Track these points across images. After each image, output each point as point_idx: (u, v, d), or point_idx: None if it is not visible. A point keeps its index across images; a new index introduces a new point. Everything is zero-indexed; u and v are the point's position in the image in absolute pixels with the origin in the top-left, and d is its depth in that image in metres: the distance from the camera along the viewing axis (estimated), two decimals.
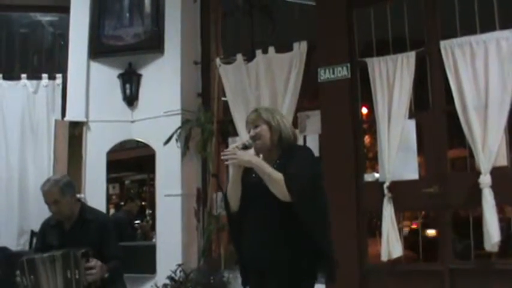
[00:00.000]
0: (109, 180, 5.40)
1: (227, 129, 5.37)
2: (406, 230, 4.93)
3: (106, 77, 5.49)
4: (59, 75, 5.56)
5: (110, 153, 5.39)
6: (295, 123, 4.78)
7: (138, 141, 5.43)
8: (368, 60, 4.58)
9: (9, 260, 4.30)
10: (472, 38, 4.18)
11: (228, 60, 5.27)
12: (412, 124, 4.42)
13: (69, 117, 5.39)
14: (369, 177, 4.74)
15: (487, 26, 4.18)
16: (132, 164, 5.70)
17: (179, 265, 4.85)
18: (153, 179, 5.33)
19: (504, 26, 4.12)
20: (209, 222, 5.02)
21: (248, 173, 2.71)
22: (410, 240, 5.21)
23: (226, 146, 3.96)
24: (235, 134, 5.15)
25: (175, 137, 5.07)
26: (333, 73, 4.66)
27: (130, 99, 5.45)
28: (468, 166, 4.43)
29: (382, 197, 4.31)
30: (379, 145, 4.47)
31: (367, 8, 4.74)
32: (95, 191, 5.25)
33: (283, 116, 2.86)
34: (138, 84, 5.47)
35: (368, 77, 4.55)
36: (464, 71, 4.16)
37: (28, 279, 3.44)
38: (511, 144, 4.10)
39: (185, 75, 5.33)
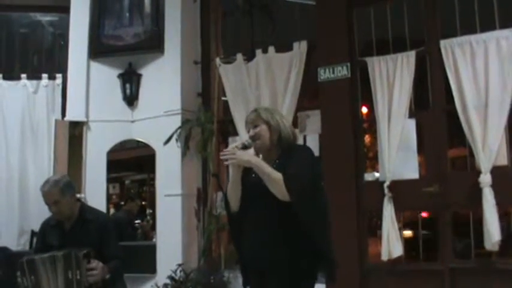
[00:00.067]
0: (109, 180, 5.40)
1: (227, 129, 5.37)
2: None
3: (106, 76, 5.49)
4: (59, 75, 5.56)
5: (110, 153, 5.39)
6: (295, 123, 4.79)
7: (138, 141, 5.43)
8: (368, 59, 4.58)
9: (10, 260, 4.30)
10: (472, 38, 4.18)
11: (228, 60, 5.27)
12: (412, 123, 4.42)
13: (69, 117, 5.39)
14: (369, 176, 4.75)
15: (487, 25, 4.18)
16: (132, 163, 5.70)
17: (179, 265, 4.85)
18: (153, 179, 5.33)
19: (504, 26, 4.12)
20: (209, 222, 5.03)
21: (248, 173, 2.71)
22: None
23: (227, 146, 3.95)
24: (235, 133, 5.15)
25: (175, 136, 5.07)
26: (333, 73, 4.66)
27: (131, 99, 5.46)
28: (468, 165, 4.43)
29: (383, 197, 4.31)
30: (379, 144, 4.47)
31: (367, 8, 4.74)
32: (95, 191, 5.26)
33: (282, 116, 2.86)
34: (138, 84, 5.48)
35: (368, 76, 4.55)
36: (464, 70, 4.16)
37: (28, 280, 3.43)
38: (511, 143, 4.10)
39: (185, 75, 5.33)
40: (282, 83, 4.84)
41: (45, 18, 6.02)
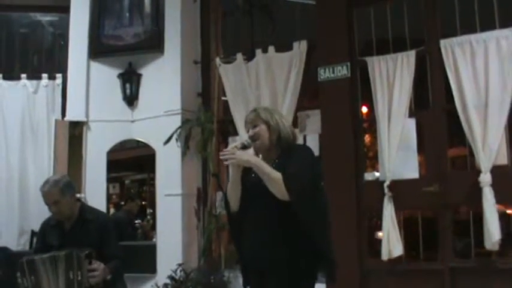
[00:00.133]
0: (109, 180, 5.40)
1: (227, 128, 5.37)
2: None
3: (106, 76, 5.49)
4: (59, 75, 5.56)
5: (110, 152, 5.39)
6: (295, 123, 4.79)
7: (138, 141, 5.43)
8: (368, 59, 4.58)
9: (10, 260, 4.30)
10: (472, 37, 4.18)
11: (228, 59, 5.27)
12: (412, 123, 4.42)
13: (69, 117, 5.39)
14: (369, 176, 4.74)
15: (487, 25, 4.18)
16: (132, 163, 5.70)
17: (179, 265, 4.85)
18: (153, 179, 5.34)
19: (504, 25, 4.12)
20: (209, 221, 5.03)
21: (248, 173, 2.71)
22: None
23: (227, 146, 3.95)
24: (235, 133, 5.15)
25: (175, 136, 5.07)
26: (333, 72, 4.66)
27: (131, 99, 5.46)
28: (468, 165, 4.43)
29: (383, 196, 4.31)
30: (379, 144, 4.47)
31: (367, 7, 4.74)
32: (95, 191, 5.26)
33: (282, 116, 2.86)
34: (138, 84, 5.48)
35: (368, 76, 4.54)
36: (464, 69, 4.16)
37: (29, 280, 3.43)
38: (511, 142, 4.10)
39: (185, 75, 5.33)
40: (282, 83, 4.84)
41: (45, 18, 6.02)
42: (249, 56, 5.11)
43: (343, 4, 4.73)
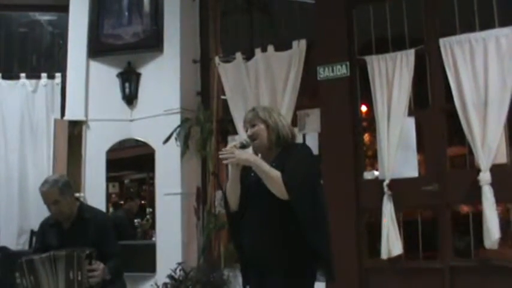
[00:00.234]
0: (109, 179, 5.40)
1: (226, 127, 5.36)
2: None
3: (105, 76, 5.48)
4: (58, 75, 5.55)
5: (110, 152, 5.39)
6: (294, 122, 4.79)
7: (137, 140, 5.43)
8: (367, 58, 4.57)
9: (9, 260, 4.30)
10: (472, 36, 4.18)
11: (227, 58, 5.26)
12: (411, 122, 4.42)
13: (68, 116, 5.39)
14: (368, 175, 4.74)
15: (486, 24, 4.17)
16: (131, 162, 5.70)
17: (179, 264, 4.84)
18: (152, 178, 5.33)
19: (503, 24, 4.11)
20: (209, 220, 5.03)
21: (247, 172, 2.71)
22: None
23: (226, 145, 3.95)
24: (234, 132, 5.15)
25: (174, 135, 5.07)
26: (332, 71, 4.66)
27: (130, 98, 5.45)
28: (468, 164, 4.43)
29: (382, 195, 4.31)
30: (378, 143, 4.47)
31: (367, 6, 4.73)
32: (95, 190, 5.25)
33: (280, 115, 2.85)
34: (138, 83, 5.47)
35: (367, 75, 4.54)
36: (464, 68, 4.16)
37: (28, 280, 3.43)
38: (511, 141, 4.10)
39: (184, 74, 5.32)
40: (281, 82, 4.83)
41: (44, 17, 6.01)
42: (248, 55, 5.11)
43: (342, 3, 4.73)
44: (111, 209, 5.48)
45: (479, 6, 4.25)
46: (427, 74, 4.44)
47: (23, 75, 5.54)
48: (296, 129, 4.51)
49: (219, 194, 4.99)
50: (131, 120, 5.46)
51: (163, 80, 5.32)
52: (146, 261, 5.08)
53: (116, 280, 3.63)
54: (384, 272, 4.40)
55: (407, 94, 4.37)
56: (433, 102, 4.42)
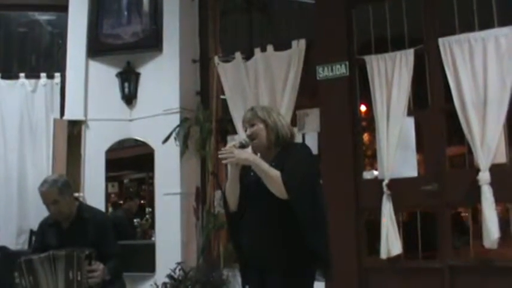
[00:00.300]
0: (108, 179, 5.39)
1: (226, 127, 5.36)
2: None
3: (104, 75, 5.48)
4: (57, 74, 5.54)
5: (109, 151, 5.39)
6: (294, 121, 4.79)
7: (136, 140, 5.43)
8: (366, 58, 4.57)
9: (8, 260, 4.30)
10: (471, 35, 4.18)
11: (227, 58, 5.26)
12: (410, 122, 4.42)
13: (67, 116, 5.38)
14: (367, 175, 4.74)
15: (486, 23, 4.17)
16: (131, 162, 5.69)
17: (178, 263, 4.84)
18: (152, 178, 5.33)
19: (503, 23, 4.11)
20: (208, 220, 5.02)
21: (246, 172, 2.71)
22: None
23: (225, 145, 3.95)
24: (234, 132, 5.15)
25: (174, 135, 5.07)
26: (332, 71, 4.66)
27: (129, 98, 5.45)
28: (467, 163, 4.43)
29: (381, 195, 4.31)
30: (378, 143, 4.47)
31: (366, 6, 4.73)
32: (94, 190, 5.25)
33: (279, 114, 2.86)
34: (137, 83, 5.47)
35: (367, 74, 4.54)
36: (463, 68, 4.16)
37: (27, 280, 3.43)
38: (510, 141, 4.10)
39: (184, 74, 5.32)
40: (281, 82, 4.83)
41: (44, 17, 6.00)
42: (248, 55, 5.11)
43: (341, 3, 4.73)
44: (110, 209, 5.48)
45: (478, 6, 4.24)
46: (426, 74, 4.44)
47: (22, 75, 5.53)
48: (295, 129, 4.51)
49: (218, 193, 4.99)
50: (130, 120, 5.46)
51: (163, 80, 5.32)
52: (145, 261, 5.07)
53: (115, 280, 3.63)
54: (383, 272, 4.40)
55: (406, 94, 4.37)
56: (433, 102, 4.42)
